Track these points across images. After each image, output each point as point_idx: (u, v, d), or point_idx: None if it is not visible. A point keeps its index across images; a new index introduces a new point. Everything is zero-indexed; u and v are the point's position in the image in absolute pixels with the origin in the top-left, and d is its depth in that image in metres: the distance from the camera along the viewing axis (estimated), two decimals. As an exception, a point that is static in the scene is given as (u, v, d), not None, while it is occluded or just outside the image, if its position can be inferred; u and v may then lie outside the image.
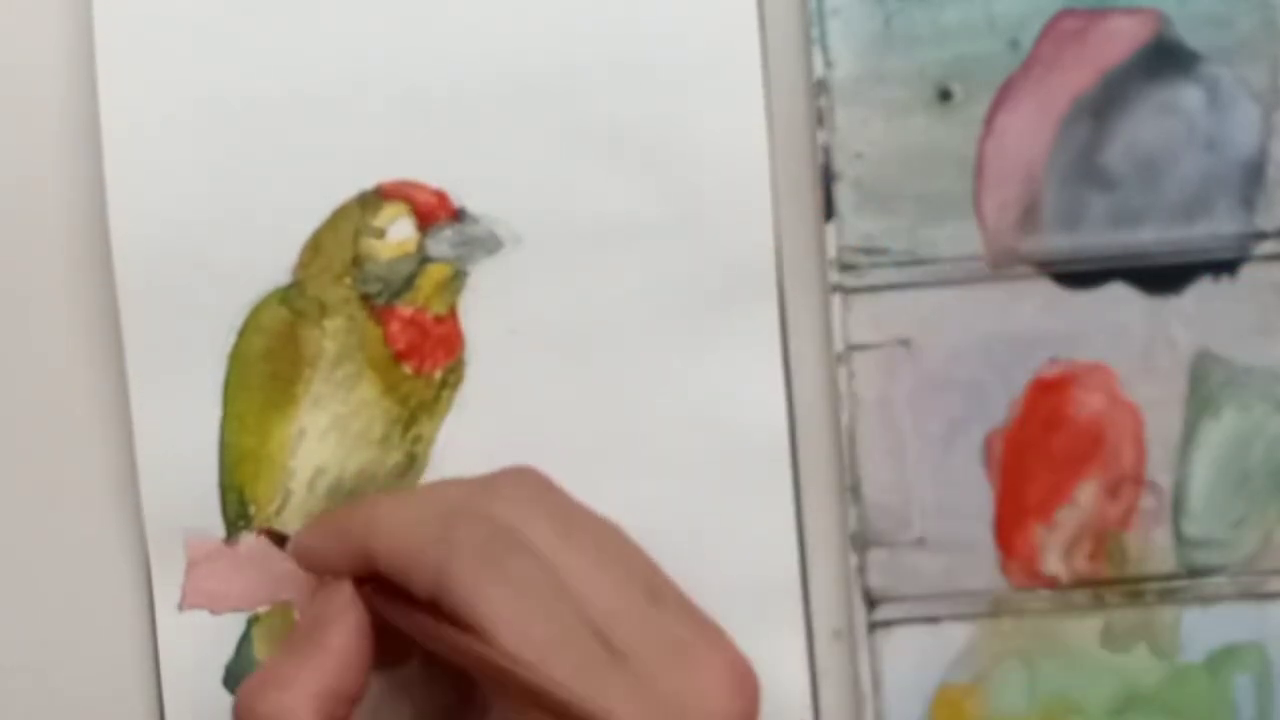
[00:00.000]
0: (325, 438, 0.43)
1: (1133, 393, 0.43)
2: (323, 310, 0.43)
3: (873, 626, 0.43)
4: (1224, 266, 0.43)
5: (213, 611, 0.44)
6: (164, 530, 0.43)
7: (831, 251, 0.43)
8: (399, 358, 0.43)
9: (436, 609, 0.37)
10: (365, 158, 0.43)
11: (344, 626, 0.38)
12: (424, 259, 0.43)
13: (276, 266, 0.43)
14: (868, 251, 0.43)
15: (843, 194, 0.43)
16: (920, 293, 0.43)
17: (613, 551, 0.39)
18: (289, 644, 0.39)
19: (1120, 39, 0.42)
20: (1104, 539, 0.43)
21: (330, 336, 0.43)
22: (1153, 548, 0.43)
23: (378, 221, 0.43)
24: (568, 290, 0.43)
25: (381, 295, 0.43)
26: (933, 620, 0.43)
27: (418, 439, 0.43)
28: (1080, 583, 0.43)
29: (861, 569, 0.43)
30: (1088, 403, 0.43)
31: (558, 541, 0.37)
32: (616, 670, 0.36)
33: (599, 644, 0.36)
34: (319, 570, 0.41)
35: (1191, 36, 0.42)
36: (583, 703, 0.34)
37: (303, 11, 0.43)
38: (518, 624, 0.35)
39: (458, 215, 0.43)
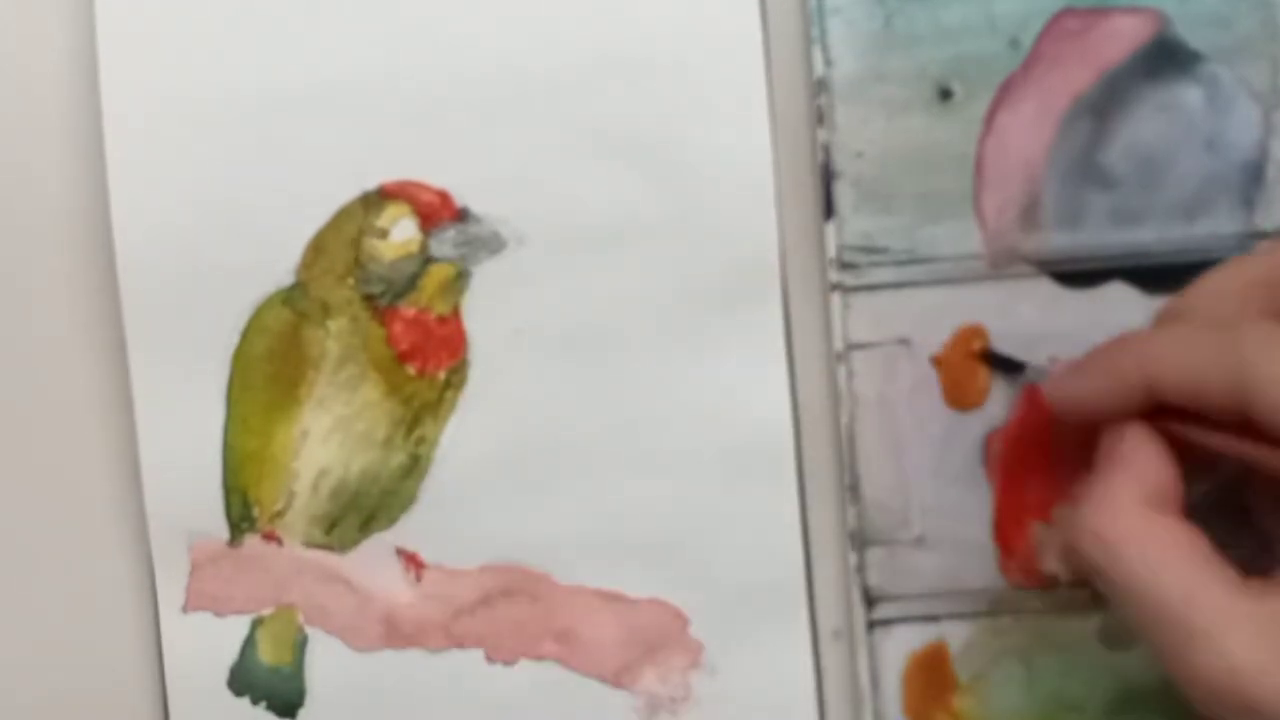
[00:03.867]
0: (329, 439, 0.44)
1: (1132, 392, 0.43)
2: (326, 311, 0.43)
3: (872, 625, 0.43)
4: (1224, 266, 0.43)
5: (217, 614, 0.44)
6: (168, 533, 0.44)
7: (831, 250, 0.43)
8: (402, 359, 0.44)
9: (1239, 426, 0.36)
10: (368, 158, 0.43)
11: (1149, 450, 0.38)
12: (427, 259, 0.43)
13: (279, 267, 0.43)
14: (867, 250, 0.43)
15: (842, 193, 0.43)
16: (920, 292, 0.43)
17: None
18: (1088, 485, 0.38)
19: (1120, 39, 0.42)
20: (1104, 538, 0.43)
21: (333, 337, 0.44)
22: (1152, 547, 0.43)
23: (380, 222, 0.43)
24: (571, 290, 0.43)
25: (384, 296, 0.43)
26: (932, 619, 0.43)
27: (421, 440, 0.44)
28: (1079, 581, 0.43)
29: (860, 568, 0.43)
30: (1088, 402, 0.43)
31: None
32: None
33: None
34: (1082, 415, 0.39)
35: (1191, 36, 0.42)
36: None
37: (305, 13, 0.43)
38: None
39: (460, 215, 0.43)
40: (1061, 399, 0.40)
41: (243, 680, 0.44)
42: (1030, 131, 0.43)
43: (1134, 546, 0.36)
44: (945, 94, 0.43)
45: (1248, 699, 0.35)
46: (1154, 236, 0.43)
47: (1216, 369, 0.36)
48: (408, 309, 0.43)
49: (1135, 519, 0.37)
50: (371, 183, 0.43)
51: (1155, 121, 0.42)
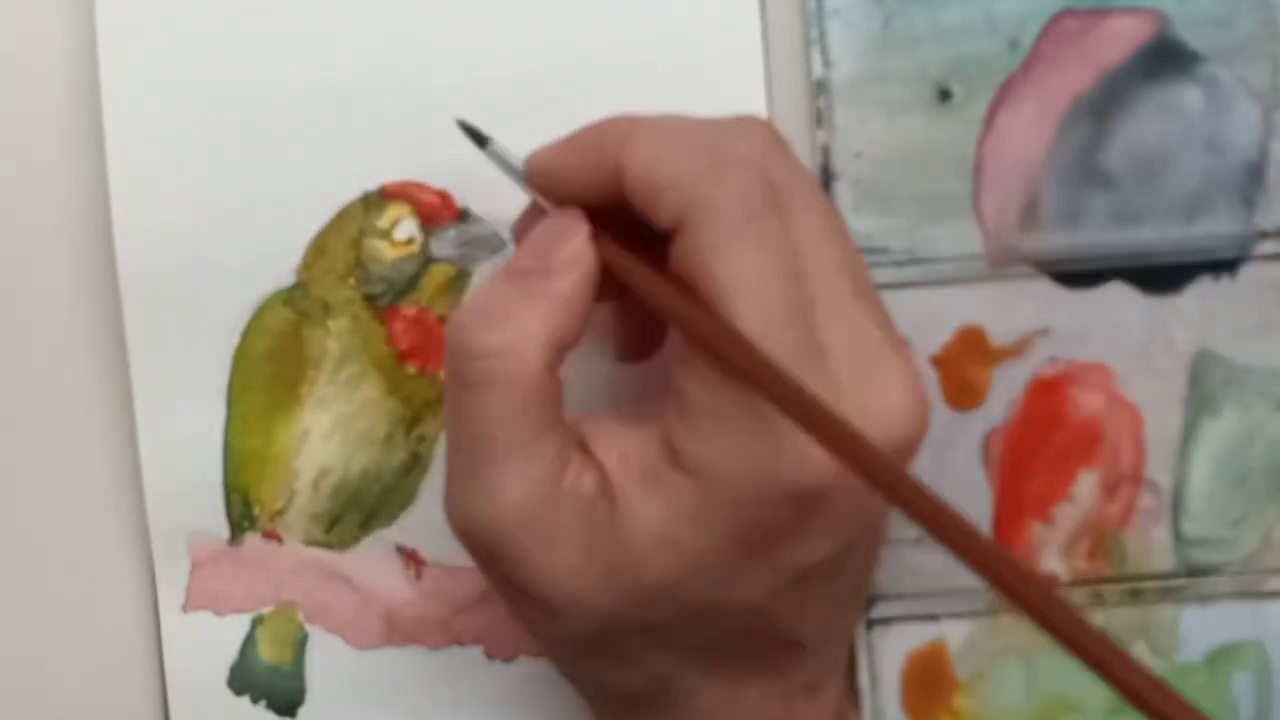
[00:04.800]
0: (329, 438, 0.44)
1: (1132, 392, 0.43)
2: (326, 311, 0.44)
3: (871, 624, 0.43)
4: (1224, 266, 0.43)
5: (217, 612, 0.44)
6: (168, 531, 0.44)
7: (831, 251, 0.43)
8: (403, 358, 0.44)
9: (658, 251, 0.35)
10: (368, 158, 0.43)
11: (578, 274, 0.36)
12: (427, 259, 0.43)
13: (280, 267, 0.43)
14: (867, 251, 0.43)
15: (842, 194, 0.43)
16: (920, 292, 0.43)
17: (834, 227, 0.36)
18: (510, 278, 0.36)
19: (1120, 39, 0.42)
20: (1103, 537, 0.43)
21: (334, 337, 0.44)
22: (1151, 546, 0.43)
23: (381, 222, 0.43)
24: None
25: (385, 295, 0.44)
26: (931, 618, 0.43)
27: (421, 439, 0.44)
28: (1079, 581, 0.43)
29: (861, 568, 0.43)
30: (1087, 402, 0.43)
31: (797, 207, 0.35)
32: (814, 364, 0.34)
33: (806, 331, 0.34)
34: (553, 192, 0.37)
35: (1191, 36, 0.42)
36: (798, 387, 0.32)
37: (306, 12, 0.43)
38: (755, 295, 0.33)
39: (461, 215, 0.43)
40: (538, 169, 0.37)
41: (243, 679, 0.44)
42: (1030, 132, 0.43)
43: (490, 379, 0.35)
44: (945, 95, 0.43)
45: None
46: (1154, 236, 0.43)
47: (683, 182, 0.34)
48: (408, 308, 0.44)
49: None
50: (372, 183, 0.43)
51: (1155, 122, 0.42)
